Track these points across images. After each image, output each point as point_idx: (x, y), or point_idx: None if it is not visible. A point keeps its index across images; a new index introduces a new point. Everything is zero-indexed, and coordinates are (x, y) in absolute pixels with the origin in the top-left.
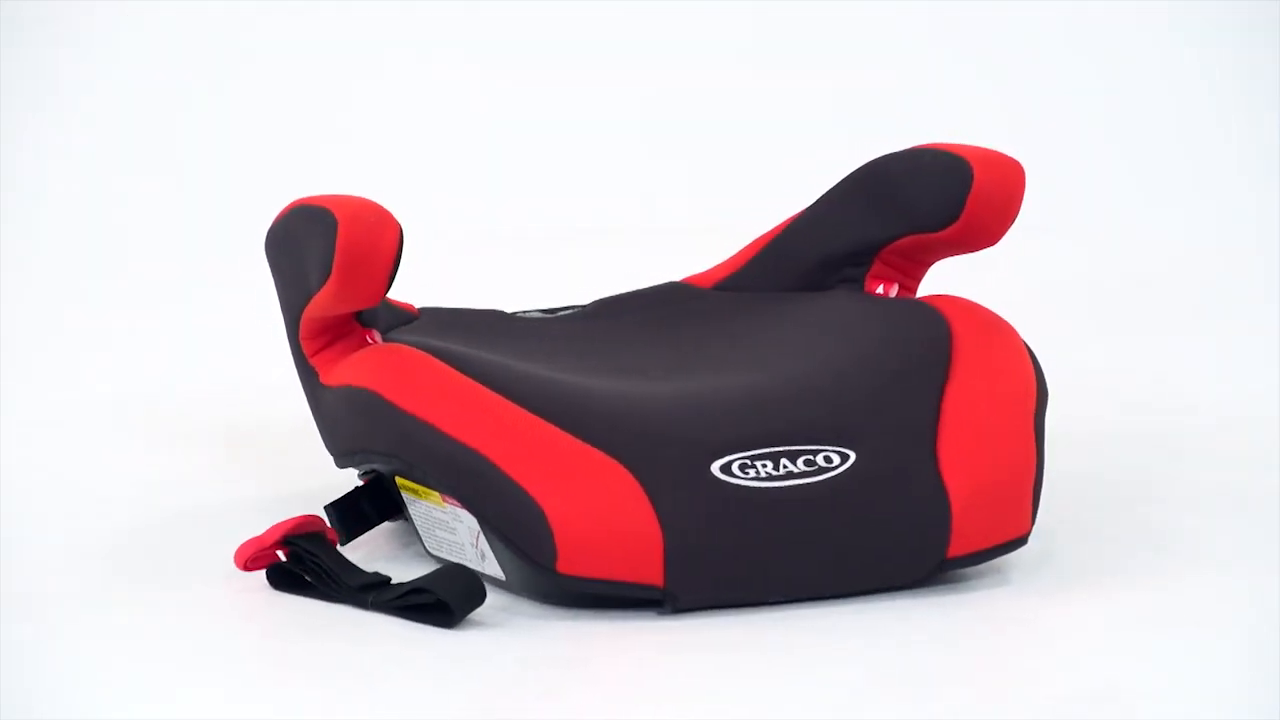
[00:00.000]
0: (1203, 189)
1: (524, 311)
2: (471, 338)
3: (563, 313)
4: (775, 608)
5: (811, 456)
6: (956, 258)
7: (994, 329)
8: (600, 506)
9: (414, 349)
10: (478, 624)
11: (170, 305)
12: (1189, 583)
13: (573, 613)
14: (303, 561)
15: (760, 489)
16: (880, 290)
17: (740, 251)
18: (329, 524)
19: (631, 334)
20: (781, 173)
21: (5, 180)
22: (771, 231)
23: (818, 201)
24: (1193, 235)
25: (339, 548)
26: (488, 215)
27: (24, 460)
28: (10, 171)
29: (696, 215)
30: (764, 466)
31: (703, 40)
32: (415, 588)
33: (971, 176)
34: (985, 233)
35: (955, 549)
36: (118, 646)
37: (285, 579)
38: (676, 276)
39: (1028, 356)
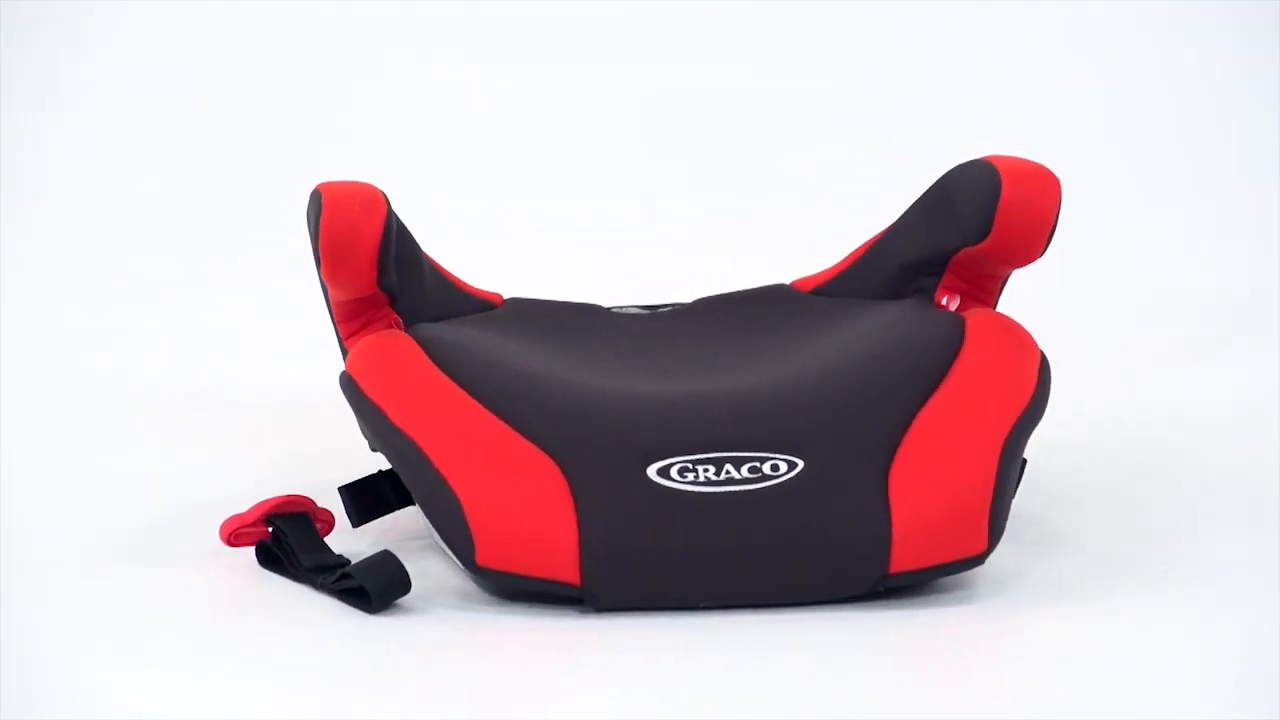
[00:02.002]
0: (1206, 192)
1: (622, 307)
2: (525, 330)
3: (663, 309)
4: (713, 611)
5: (758, 464)
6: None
7: (1007, 345)
8: (518, 503)
9: (399, 337)
10: (403, 609)
11: (174, 302)
12: (1169, 598)
13: (504, 606)
14: (278, 540)
15: (694, 493)
16: (944, 301)
17: (845, 256)
18: (344, 507)
19: (701, 335)
20: (781, 173)
21: (6, 180)
22: (873, 238)
23: (907, 209)
24: (1191, 239)
25: (355, 529)
26: (487, 215)
27: (27, 459)
28: (11, 171)
29: (696, 216)
30: (705, 471)
31: (703, 40)
32: (345, 573)
33: (999, 189)
34: (1020, 246)
35: (898, 564)
36: (95, 616)
37: (270, 558)
38: (679, 278)
39: (1033, 375)
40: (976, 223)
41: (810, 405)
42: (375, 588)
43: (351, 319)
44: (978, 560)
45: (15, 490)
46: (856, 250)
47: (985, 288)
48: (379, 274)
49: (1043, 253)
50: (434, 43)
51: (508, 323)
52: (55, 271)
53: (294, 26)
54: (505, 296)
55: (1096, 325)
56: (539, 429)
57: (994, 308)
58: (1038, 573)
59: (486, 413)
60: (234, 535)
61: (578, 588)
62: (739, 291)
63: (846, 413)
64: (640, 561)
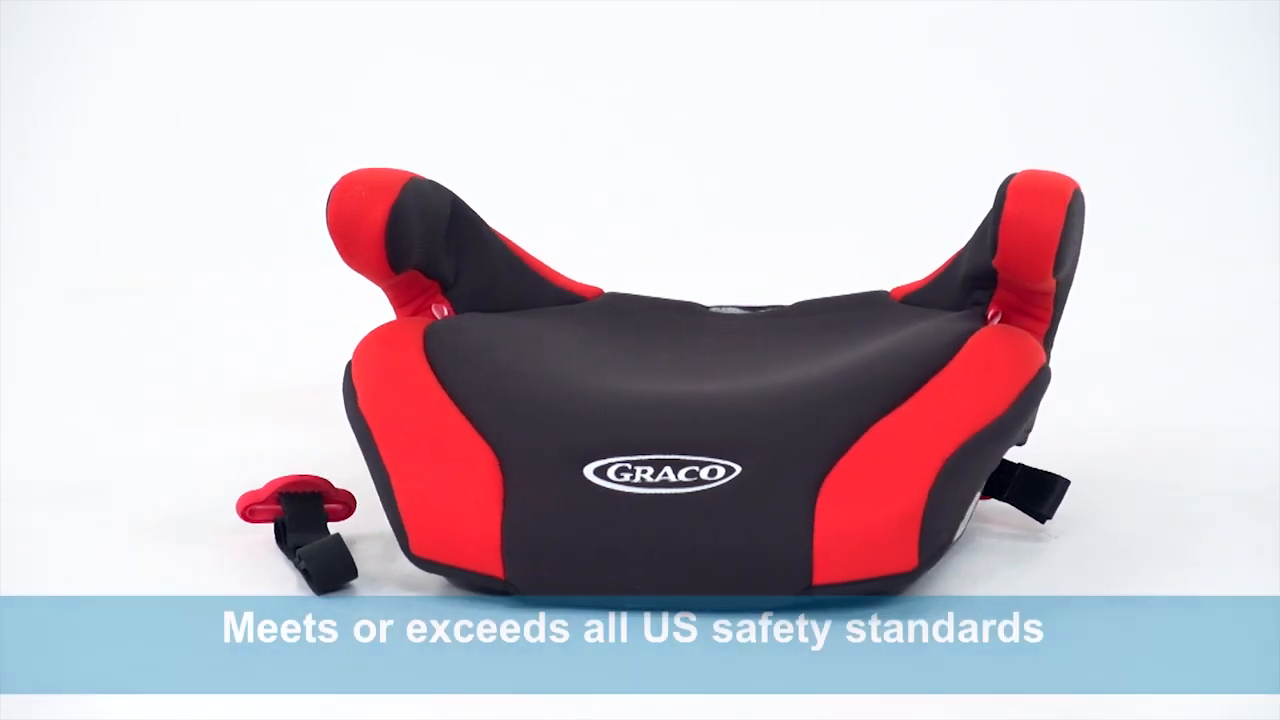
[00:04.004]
0: (1209, 195)
1: (722, 306)
2: (594, 325)
3: (763, 310)
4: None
5: (696, 468)
6: None
7: (997, 361)
8: (447, 494)
9: (408, 325)
10: (349, 592)
11: (207, 294)
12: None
13: (444, 595)
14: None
15: (625, 494)
16: (989, 315)
17: (940, 265)
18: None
19: (773, 338)
20: (782, 173)
21: (38, 170)
22: (962, 248)
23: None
24: (1193, 242)
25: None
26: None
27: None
28: (34, 164)
29: (696, 216)
30: (643, 472)
31: (703, 40)
32: (299, 554)
33: (1004, 204)
34: (1025, 262)
35: (821, 576)
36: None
37: (280, 536)
38: (678, 280)
39: (1013, 392)
40: (990, 236)
41: (761, 412)
42: (317, 571)
43: (404, 304)
44: (908, 577)
45: (65, 467)
46: (948, 259)
47: (1035, 303)
48: (393, 258)
49: (1052, 270)
50: (433, 43)
51: (579, 316)
52: (77, 265)
53: (295, 27)
54: (605, 290)
55: (1097, 329)
56: (491, 424)
57: (1049, 326)
58: (1005, 583)
59: (449, 405)
60: (248, 510)
61: (501, 580)
62: (837, 297)
63: (793, 421)
64: (561, 557)
